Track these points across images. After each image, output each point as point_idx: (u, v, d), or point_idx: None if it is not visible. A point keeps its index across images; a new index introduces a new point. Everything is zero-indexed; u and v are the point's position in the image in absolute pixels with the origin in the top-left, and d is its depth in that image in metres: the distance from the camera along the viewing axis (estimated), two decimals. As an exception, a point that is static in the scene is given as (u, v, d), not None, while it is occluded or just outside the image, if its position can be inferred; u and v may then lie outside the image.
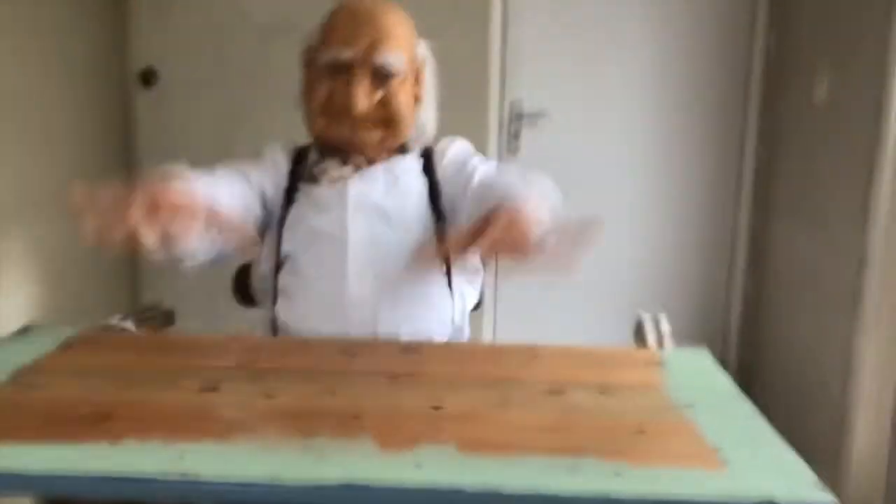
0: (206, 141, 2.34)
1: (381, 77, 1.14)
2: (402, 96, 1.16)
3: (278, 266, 1.19)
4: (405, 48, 1.17)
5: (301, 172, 1.23)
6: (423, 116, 1.24)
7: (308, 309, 1.16)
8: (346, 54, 1.12)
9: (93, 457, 0.65)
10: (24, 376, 0.84)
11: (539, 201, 0.94)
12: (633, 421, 0.75)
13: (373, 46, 1.13)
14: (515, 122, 2.57)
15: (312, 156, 1.25)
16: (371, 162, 1.21)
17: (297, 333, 1.16)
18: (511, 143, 2.58)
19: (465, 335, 1.27)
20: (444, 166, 1.24)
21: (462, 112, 2.38)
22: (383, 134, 1.17)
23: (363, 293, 1.14)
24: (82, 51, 2.12)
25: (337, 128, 1.16)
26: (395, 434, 0.70)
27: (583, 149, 2.60)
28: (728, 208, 2.64)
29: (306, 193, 1.21)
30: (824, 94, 2.13)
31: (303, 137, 1.29)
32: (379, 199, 1.18)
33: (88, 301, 2.13)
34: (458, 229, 0.93)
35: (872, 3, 1.90)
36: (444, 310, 1.22)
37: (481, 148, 2.38)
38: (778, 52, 2.47)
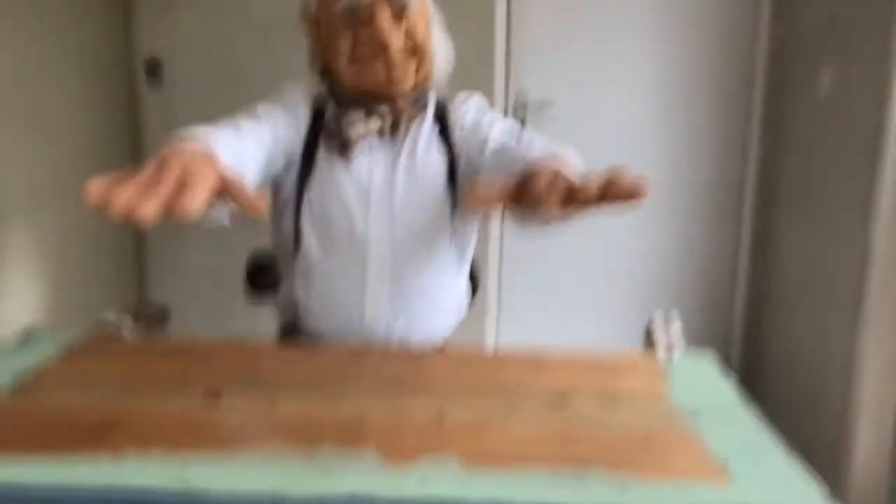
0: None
1: (399, 11, 1.14)
2: (421, 24, 1.17)
3: (297, 240, 1.21)
4: None
5: (320, 130, 1.21)
6: (436, 44, 1.23)
7: (326, 300, 1.19)
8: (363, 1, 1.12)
9: (93, 470, 0.65)
10: (25, 385, 0.84)
11: (572, 166, 0.92)
12: (638, 432, 0.74)
13: None
14: (521, 111, 2.55)
15: (331, 110, 1.22)
16: (395, 115, 1.19)
17: (317, 317, 1.20)
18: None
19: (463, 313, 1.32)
20: (461, 129, 1.24)
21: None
22: (415, 62, 1.17)
23: (381, 297, 1.18)
24: (87, 43, 2.11)
25: (371, 71, 1.15)
26: (399, 446, 0.70)
27: (587, 140, 2.57)
28: (731, 205, 2.62)
29: (327, 165, 1.19)
30: (828, 89, 2.11)
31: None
32: (399, 193, 1.19)
33: (92, 299, 2.13)
34: (491, 182, 0.86)
35: (875, 2, 1.87)
36: (451, 304, 1.26)
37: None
38: (781, 46, 2.44)
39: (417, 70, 1.18)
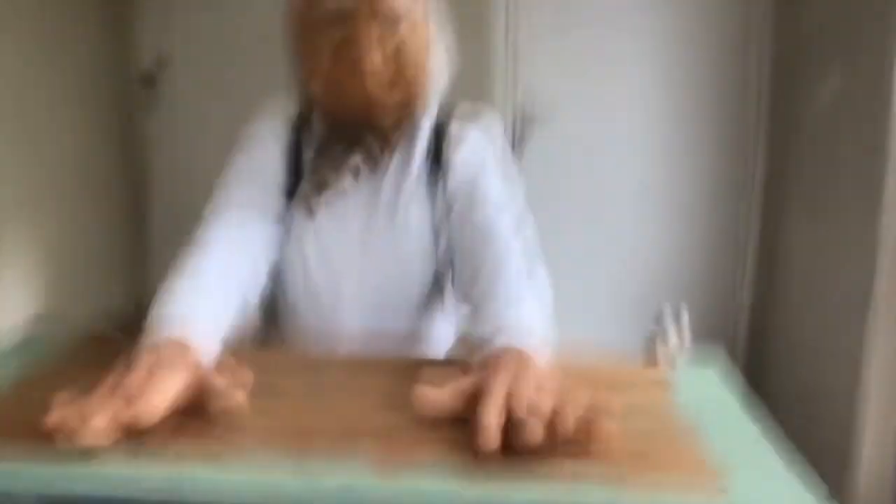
0: (207, 140, 2.34)
1: (390, 23, 0.95)
2: (415, 42, 0.98)
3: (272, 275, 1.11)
4: None
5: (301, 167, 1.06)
6: (435, 61, 1.05)
7: (294, 341, 1.13)
8: (347, 3, 0.94)
9: (85, 472, 0.65)
10: (27, 381, 0.85)
11: (533, 340, 0.84)
12: (635, 442, 0.73)
13: None
14: (521, 123, 2.56)
15: (311, 141, 1.08)
16: (371, 160, 1.05)
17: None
18: (517, 144, 2.57)
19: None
20: (455, 167, 1.07)
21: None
22: (402, 95, 1.00)
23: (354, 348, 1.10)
24: (85, 50, 2.13)
25: (345, 94, 0.98)
26: (392, 451, 0.70)
27: (590, 149, 2.59)
28: (738, 208, 2.63)
29: (301, 219, 1.07)
30: (833, 92, 2.12)
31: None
32: (376, 254, 1.07)
33: (91, 300, 2.13)
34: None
35: (878, 4, 1.88)
36: (439, 347, 1.18)
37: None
38: (787, 49, 2.46)
39: (408, 98, 1.01)
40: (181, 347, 0.80)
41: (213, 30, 2.39)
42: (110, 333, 1.10)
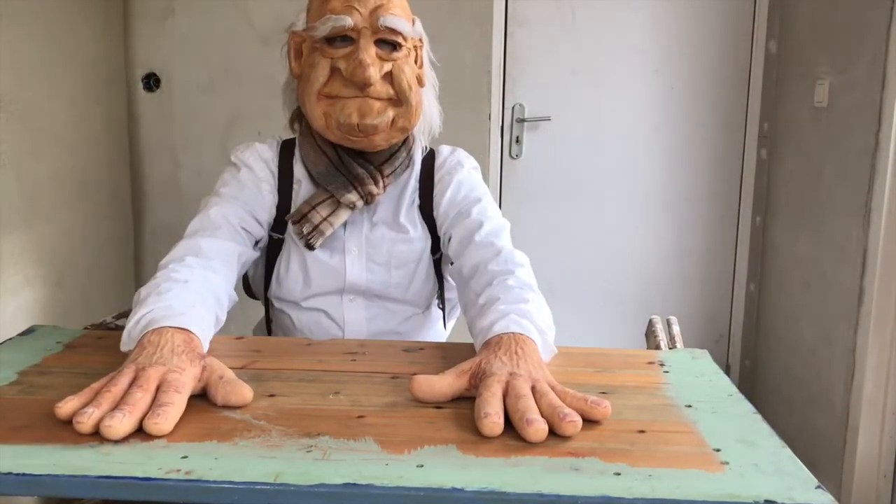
0: (207, 144, 2.35)
1: (387, 47, 1.03)
2: (408, 71, 1.05)
3: (267, 297, 1.18)
4: (408, 17, 1.07)
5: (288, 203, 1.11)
6: (426, 102, 1.12)
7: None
8: (349, 20, 0.99)
9: (95, 458, 0.65)
10: (28, 377, 0.85)
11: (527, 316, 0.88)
12: (633, 422, 0.75)
13: (378, 9, 1.01)
14: (517, 126, 2.58)
15: (302, 188, 1.13)
16: (369, 193, 1.08)
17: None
18: (513, 147, 2.59)
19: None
20: (443, 201, 1.14)
21: (464, 116, 2.38)
22: (394, 113, 1.04)
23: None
24: (85, 55, 2.13)
25: (342, 112, 1.01)
26: (397, 436, 0.71)
27: (584, 153, 2.61)
28: (730, 211, 2.65)
29: (295, 245, 1.12)
30: (825, 96, 2.14)
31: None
32: (377, 277, 1.12)
33: (91, 301, 2.13)
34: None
35: (872, 7, 1.90)
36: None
37: (483, 152, 2.38)
38: (778, 55, 2.48)
39: (394, 122, 1.04)
40: (186, 335, 0.81)
41: (214, 35, 2.40)
42: (112, 325, 1.11)
